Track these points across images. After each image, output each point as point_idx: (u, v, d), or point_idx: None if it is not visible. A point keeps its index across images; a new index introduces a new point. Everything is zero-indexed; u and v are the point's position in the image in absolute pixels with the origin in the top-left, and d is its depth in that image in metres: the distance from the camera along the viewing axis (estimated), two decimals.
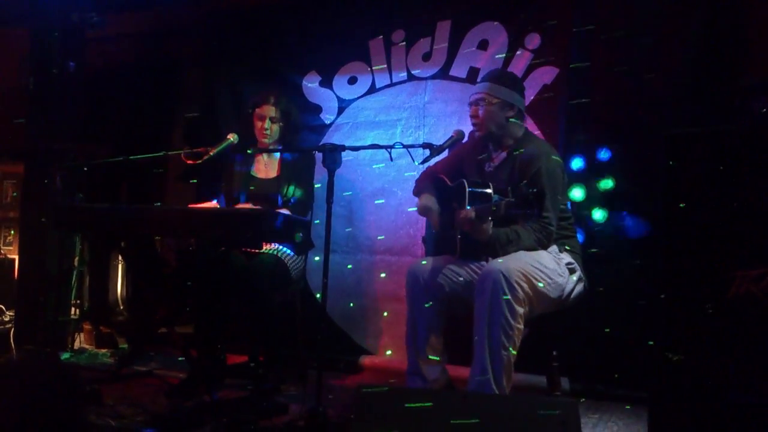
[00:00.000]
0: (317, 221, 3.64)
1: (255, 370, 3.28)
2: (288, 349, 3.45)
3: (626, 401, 3.13)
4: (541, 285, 2.65)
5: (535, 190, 2.36)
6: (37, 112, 4.22)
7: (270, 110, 3.52)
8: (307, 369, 3.40)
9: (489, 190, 2.82)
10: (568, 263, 2.81)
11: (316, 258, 3.73)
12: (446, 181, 3.10)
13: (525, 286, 2.60)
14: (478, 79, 3.02)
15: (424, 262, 3.02)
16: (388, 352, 3.85)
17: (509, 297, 2.56)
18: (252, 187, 3.55)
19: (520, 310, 2.58)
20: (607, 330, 3.22)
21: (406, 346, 3.00)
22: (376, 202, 4.01)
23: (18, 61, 4.48)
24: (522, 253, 2.71)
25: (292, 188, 3.46)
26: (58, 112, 4.23)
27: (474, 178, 2.97)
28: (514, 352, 2.60)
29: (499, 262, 2.64)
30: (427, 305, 2.91)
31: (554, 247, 2.80)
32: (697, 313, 1.90)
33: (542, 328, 2.87)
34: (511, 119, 2.93)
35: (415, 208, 3.19)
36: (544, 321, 2.82)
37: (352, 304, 4.01)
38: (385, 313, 3.88)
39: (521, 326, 2.60)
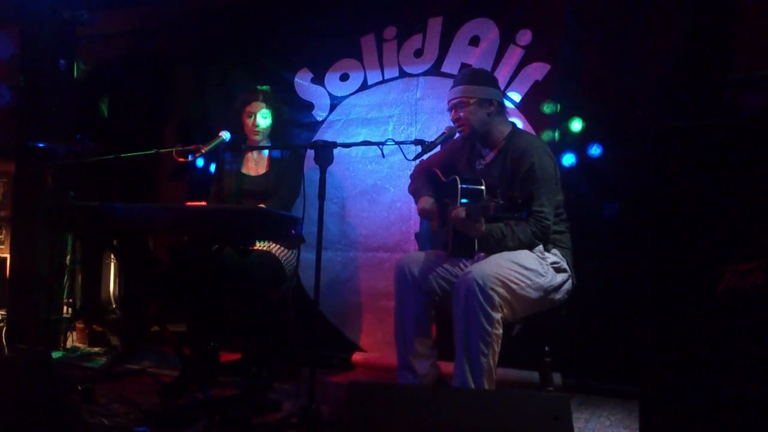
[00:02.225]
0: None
1: (248, 368, 3.27)
2: (281, 346, 3.45)
3: (618, 396, 3.15)
4: (518, 287, 2.64)
5: (523, 194, 2.37)
6: (28, 111, 4.20)
7: (259, 106, 3.52)
8: (300, 366, 3.40)
9: (481, 187, 2.82)
10: (554, 262, 2.80)
11: (309, 256, 3.73)
12: (440, 176, 3.10)
13: (502, 291, 2.59)
14: (452, 84, 3.03)
15: (412, 255, 3.03)
16: (382, 348, 3.84)
17: (484, 304, 2.55)
18: (242, 185, 3.54)
19: (497, 315, 2.58)
20: (599, 331, 3.24)
21: (395, 341, 3.00)
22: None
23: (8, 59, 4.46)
24: (502, 255, 2.70)
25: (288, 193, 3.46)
26: (49, 110, 4.21)
27: (466, 175, 2.97)
28: (494, 360, 2.61)
29: (475, 269, 2.64)
30: (413, 298, 2.92)
31: (539, 247, 2.79)
32: (687, 307, 1.91)
33: (534, 323, 2.88)
34: (492, 114, 2.93)
35: (409, 204, 3.18)
36: (536, 317, 2.83)
37: (344, 302, 4.01)
38: (378, 310, 3.88)
39: (500, 331, 2.60)
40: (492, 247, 2.73)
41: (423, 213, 3.09)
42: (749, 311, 1.83)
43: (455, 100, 2.96)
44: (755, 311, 1.82)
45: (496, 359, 2.61)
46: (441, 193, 3.04)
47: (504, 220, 2.64)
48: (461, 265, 2.93)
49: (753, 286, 1.81)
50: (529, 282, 2.68)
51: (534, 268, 2.71)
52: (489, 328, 2.56)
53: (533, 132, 3.46)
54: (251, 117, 3.53)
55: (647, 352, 1.99)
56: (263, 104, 3.52)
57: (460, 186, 2.80)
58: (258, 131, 3.52)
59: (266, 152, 3.61)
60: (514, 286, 2.63)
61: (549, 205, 2.76)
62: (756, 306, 1.82)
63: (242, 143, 3.58)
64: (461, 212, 2.62)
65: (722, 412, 1.85)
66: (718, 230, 1.88)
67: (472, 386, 2.58)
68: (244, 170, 3.62)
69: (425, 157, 3.03)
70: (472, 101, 2.92)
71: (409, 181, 3.34)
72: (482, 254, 2.87)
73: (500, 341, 2.61)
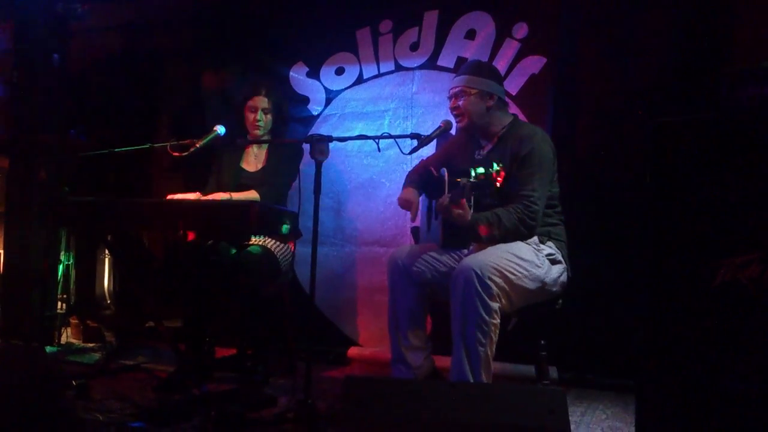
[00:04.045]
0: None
1: (243, 363, 3.27)
2: (277, 341, 3.45)
3: (614, 390, 3.15)
4: (515, 277, 2.64)
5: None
6: (22, 105, 4.18)
7: (262, 101, 3.49)
8: (296, 361, 3.40)
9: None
10: (549, 254, 2.79)
11: (304, 250, 3.72)
12: (433, 173, 3.09)
13: (499, 281, 2.59)
14: (456, 74, 3.02)
15: (405, 248, 3.02)
16: (377, 342, 3.84)
17: (482, 294, 2.55)
18: (240, 180, 3.53)
19: (495, 305, 2.58)
20: (595, 325, 3.24)
21: (388, 334, 3.00)
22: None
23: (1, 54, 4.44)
24: (498, 247, 2.70)
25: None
26: (43, 105, 4.20)
27: (456, 167, 2.97)
28: (491, 350, 2.60)
29: (472, 259, 2.64)
30: (407, 290, 2.91)
31: (534, 238, 2.79)
32: (683, 301, 1.91)
33: (530, 317, 2.88)
34: (491, 108, 2.93)
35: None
36: (532, 310, 2.83)
37: (340, 296, 4.00)
38: (374, 305, 3.87)
39: (497, 321, 2.59)
40: (479, 236, 2.72)
41: (400, 201, 3.07)
42: (746, 304, 1.83)
43: (456, 89, 2.95)
44: (752, 304, 1.82)
45: (494, 349, 2.61)
46: (433, 189, 3.03)
47: (480, 197, 2.63)
48: (454, 257, 2.93)
49: (749, 279, 1.81)
50: (525, 272, 2.68)
51: (530, 259, 2.71)
52: (486, 318, 2.56)
53: None
54: (253, 112, 3.49)
55: (643, 345, 1.99)
56: (266, 99, 3.49)
57: (447, 177, 2.80)
58: (260, 126, 3.50)
59: (265, 147, 3.59)
60: (511, 276, 2.63)
61: (540, 190, 2.75)
62: (752, 299, 1.82)
63: (238, 137, 3.55)
64: (445, 199, 2.62)
65: (718, 406, 1.85)
66: (714, 223, 1.88)
67: (470, 376, 2.58)
68: (242, 164, 3.60)
69: (421, 152, 3.02)
70: (473, 92, 2.91)
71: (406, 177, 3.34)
72: (473, 246, 2.87)
73: (498, 331, 2.61)
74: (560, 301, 2.89)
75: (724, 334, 1.86)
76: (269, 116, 3.52)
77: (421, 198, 3.11)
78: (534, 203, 2.72)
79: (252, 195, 3.32)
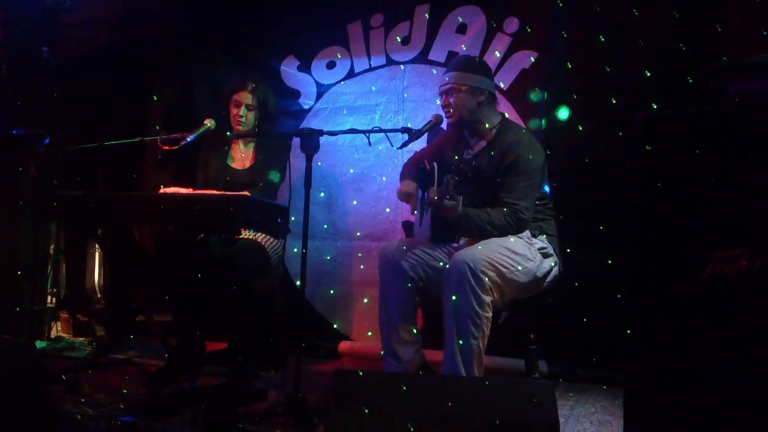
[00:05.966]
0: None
1: (234, 357, 3.26)
2: (267, 335, 3.44)
3: (603, 383, 3.17)
4: (508, 271, 2.66)
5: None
6: (11, 98, 4.15)
7: (246, 97, 3.47)
8: (287, 355, 3.40)
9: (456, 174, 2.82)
10: (541, 248, 2.81)
11: (294, 249, 3.72)
12: (427, 166, 3.10)
13: (492, 274, 2.61)
14: (445, 69, 3.02)
15: (395, 243, 3.03)
16: (368, 336, 3.84)
17: (475, 287, 2.57)
18: (228, 177, 3.51)
19: (487, 298, 2.60)
20: (585, 320, 3.25)
21: (379, 328, 3.00)
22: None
23: None
24: (491, 240, 2.71)
25: (271, 174, 3.43)
26: (32, 98, 4.17)
27: (448, 162, 2.98)
28: (483, 343, 2.62)
29: (465, 252, 2.65)
30: (397, 284, 2.91)
31: (527, 233, 2.80)
32: (672, 294, 1.92)
33: (520, 311, 2.89)
34: (482, 104, 2.93)
35: (396, 192, 3.17)
36: (523, 304, 2.84)
37: (331, 291, 4.00)
38: (365, 299, 3.88)
39: (489, 314, 2.62)
40: (469, 230, 2.73)
41: (400, 195, 3.08)
42: (734, 298, 1.84)
43: (446, 86, 2.95)
44: (740, 298, 1.83)
45: (485, 342, 2.63)
46: (425, 182, 3.04)
47: (463, 195, 2.65)
48: (445, 251, 2.94)
49: (738, 273, 1.82)
50: (518, 266, 2.70)
51: (523, 253, 2.73)
52: (479, 311, 2.58)
53: (521, 120, 3.46)
54: (237, 107, 3.48)
55: (632, 339, 2.00)
56: (250, 95, 3.47)
57: (437, 171, 2.81)
58: (242, 122, 3.48)
59: (252, 145, 3.58)
60: (504, 270, 2.65)
61: (527, 199, 2.77)
62: (740, 292, 1.83)
63: (228, 131, 3.54)
64: (433, 194, 2.63)
65: (706, 399, 1.86)
66: (703, 217, 1.89)
67: (462, 369, 2.59)
68: (230, 162, 3.58)
69: (412, 145, 3.02)
70: (463, 88, 2.91)
71: (399, 170, 3.33)
72: (463, 241, 2.87)
73: (489, 324, 2.62)
74: (551, 295, 2.90)
75: (713, 328, 1.87)
76: (252, 113, 3.49)
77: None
78: (521, 212, 2.74)
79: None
